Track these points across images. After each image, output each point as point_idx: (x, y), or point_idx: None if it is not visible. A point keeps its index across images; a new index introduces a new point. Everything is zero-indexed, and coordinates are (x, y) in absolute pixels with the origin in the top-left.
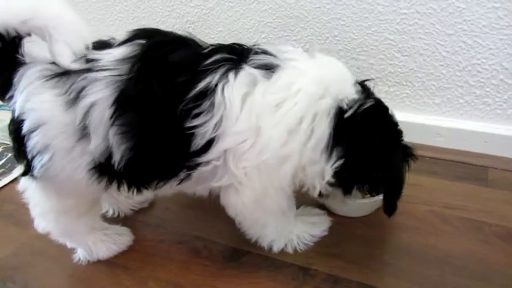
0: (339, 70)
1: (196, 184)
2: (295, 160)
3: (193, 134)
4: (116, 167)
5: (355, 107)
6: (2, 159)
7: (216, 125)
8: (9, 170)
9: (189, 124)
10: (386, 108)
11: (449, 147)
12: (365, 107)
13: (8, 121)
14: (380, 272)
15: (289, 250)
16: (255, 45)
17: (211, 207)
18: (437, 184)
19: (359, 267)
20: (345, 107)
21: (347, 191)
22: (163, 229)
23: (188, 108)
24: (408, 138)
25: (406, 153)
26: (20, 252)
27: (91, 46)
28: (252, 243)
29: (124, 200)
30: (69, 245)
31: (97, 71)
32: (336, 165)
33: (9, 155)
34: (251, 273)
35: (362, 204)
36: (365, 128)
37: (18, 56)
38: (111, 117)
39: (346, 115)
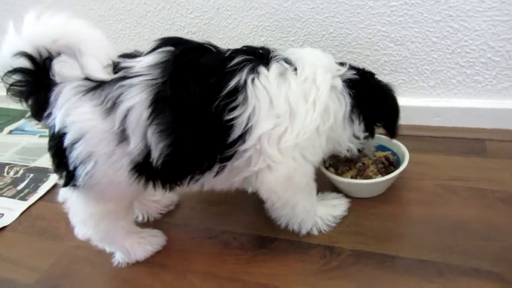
0: (326, 56)
1: (230, 176)
2: (332, 132)
3: (232, 125)
4: (154, 164)
5: (354, 75)
6: (25, 180)
7: (250, 115)
8: (34, 189)
9: (227, 117)
10: (371, 72)
11: (447, 125)
12: (360, 73)
13: (23, 144)
14: (399, 242)
15: (315, 232)
16: (263, 47)
17: (232, 202)
18: (440, 160)
19: (378, 241)
20: (346, 77)
21: (371, 134)
22: (191, 227)
23: (224, 104)
24: (408, 120)
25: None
26: (62, 262)
27: (116, 59)
28: (278, 230)
29: (152, 204)
30: (108, 249)
31: (132, 77)
32: (361, 125)
33: (32, 175)
34: (281, 256)
35: (374, 184)
36: (368, 86)
37: (50, 76)
38: (149, 118)
39: (352, 82)
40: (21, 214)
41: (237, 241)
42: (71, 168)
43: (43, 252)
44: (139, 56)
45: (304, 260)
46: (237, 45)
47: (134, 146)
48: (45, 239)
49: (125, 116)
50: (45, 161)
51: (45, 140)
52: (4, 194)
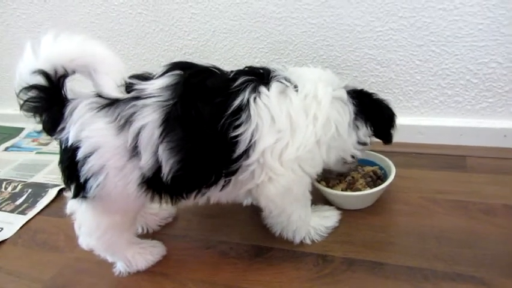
0: (325, 71)
1: (234, 189)
2: (335, 142)
3: (237, 141)
4: (164, 178)
5: (357, 89)
6: (23, 195)
7: (253, 131)
8: (33, 204)
9: (232, 134)
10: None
11: (430, 142)
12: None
13: (19, 161)
14: (387, 250)
15: (308, 241)
16: (263, 67)
17: (228, 214)
18: (424, 175)
19: (368, 249)
20: (349, 88)
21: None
22: (189, 238)
23: (230, 122)
24: (394, 138)
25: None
26: (64, 273)
27: (127, 79)
28: (273, 240)
29: (151, 217)
30: (110, 259)
31: (145, 98)
32: (368, 129)
33: (30, 190)
34: (277, 265)
35: (363, 196)
36: (366, 97)
37: (62, 93)
38: (160, 136)
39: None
40: (21, 228)
41: (234, 251)
42: (82, 180)
43: (44, 264)
44: (148, 77)
45: (298, 268)
46: (233, 66)
47: (145, 161)
48: (46, 252)
49: (138, 134)
50: (43, 176)
51: (42, 157)
52: (3, 209)
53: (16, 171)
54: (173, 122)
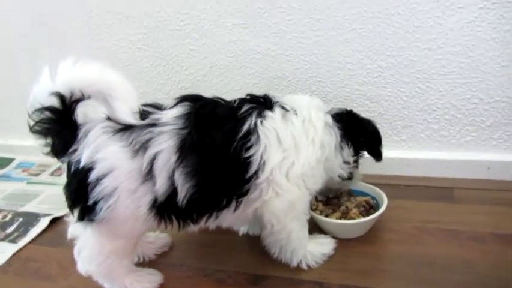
0: (314, 98)
1: (244, 209)
2: (327, 162)
3: (249, 162)
4: (180, 203)
5: (338, 110)
6: (14, 224)
7: (263, 151)
8: (24, 233)
9: (245, 155)
10: (350, 109)
11: (419, 175)
12: (342, 109)
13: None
14: (381, 277)
15: (304, 266)
16: (263, 95)
17: (225, 244)
18: (414, 205)
19: (363, 276)
20: (334, 112)
21: (357, 159)
22: (186, 267)
23: (241, 144)
24: (383, 171)
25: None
26: None
27: (141, 106)
28: (270, 268)
29: (148, 245)
30: (107, 286)
31: (162, 126)
32: (350, 149)
33: (21, 219)
34: None
35: (358, 224)
36: (353, 119)
37: (73, 117)
38: (176, 161)
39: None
40: (12, 256)
41: (232, 279)
42: (90, 202)
43: None
44: (161, 106)
45: None
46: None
47: (160, 185)
48: (38, 280)
49: (154, 159)
50: (35, 206)
51: (33, 187)
52: None
53: (6, 200)
54: (189, 148)
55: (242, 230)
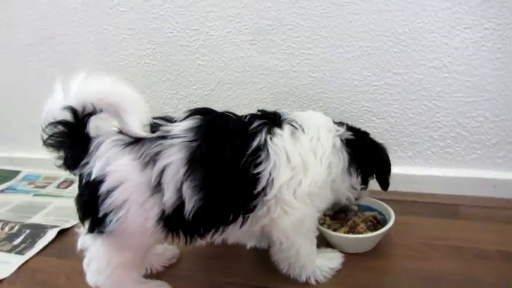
0: (325, 117)
1: (251, 225)
2: (333, 184)
3: (258, 178)
4: (187, 216)
5: (351, 135)
6: (21, 235)
7: (272, 168)
8: (31, 244)
9: (254, 171)
10: (366, 132)
11: (425, 191)
12: (355, 132)
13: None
14: None
15: (312, 281)
16: (274, 111)
17: (232, 256)
18: (420, 221)
19: None
20: (344, 137)
21: (366, 186)
22: (194, 279)
23: (251, 160)
24: (390, 187)
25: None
26: None
27: (153, 119)
28: (278, 281)
29: (156, 257)
30: None
31: (172, 138)
32: (358, 177)
33: (28, 231)
34: None
35: (366, 239)
36: (365, 146)
37: (85, 130)
38: (185, 174)
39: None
40: (19, 268)
41: None
42: (100, 214)
43: None
44: (171, 119)
45: None
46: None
47: (168, 198)
48: None
49: (163, 171)
50: (42, 218)
51: (40, 199)
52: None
53: (13, 212)
54: (198, 162)
55: (250, 243)
